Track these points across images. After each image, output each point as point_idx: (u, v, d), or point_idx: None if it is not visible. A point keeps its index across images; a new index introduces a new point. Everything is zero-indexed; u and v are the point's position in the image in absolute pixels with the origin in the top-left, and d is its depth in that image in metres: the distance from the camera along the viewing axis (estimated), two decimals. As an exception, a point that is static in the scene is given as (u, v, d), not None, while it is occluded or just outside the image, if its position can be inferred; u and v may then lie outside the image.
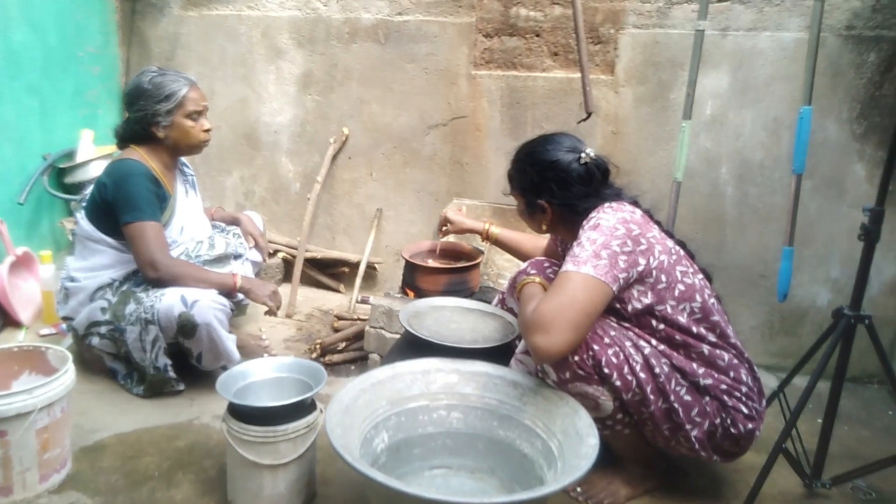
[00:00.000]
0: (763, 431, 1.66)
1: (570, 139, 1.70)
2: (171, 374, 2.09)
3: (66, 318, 2.19)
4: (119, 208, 2.04)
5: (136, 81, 2.12)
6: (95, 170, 2.94)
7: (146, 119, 2.09)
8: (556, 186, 1.64)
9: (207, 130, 2.20)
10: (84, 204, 2.17)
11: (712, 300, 1.63)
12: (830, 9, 2.37)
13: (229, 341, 2.10)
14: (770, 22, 2.49)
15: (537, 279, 1.68)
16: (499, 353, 1.81)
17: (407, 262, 2.40)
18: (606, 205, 1.59)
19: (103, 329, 2.08)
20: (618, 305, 1.56)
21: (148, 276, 2.04)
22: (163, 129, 2.11)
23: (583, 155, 1.65)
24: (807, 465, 1.77)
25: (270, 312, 2.24)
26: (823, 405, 1.74)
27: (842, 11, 2.40)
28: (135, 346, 2.04)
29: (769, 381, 2.46)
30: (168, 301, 1.99)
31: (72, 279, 2.14)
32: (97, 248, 2.13)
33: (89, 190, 2.18)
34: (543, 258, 1.93)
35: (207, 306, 2.01)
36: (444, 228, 2.34)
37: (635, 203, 1.67)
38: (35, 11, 2.80)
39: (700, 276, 1.65)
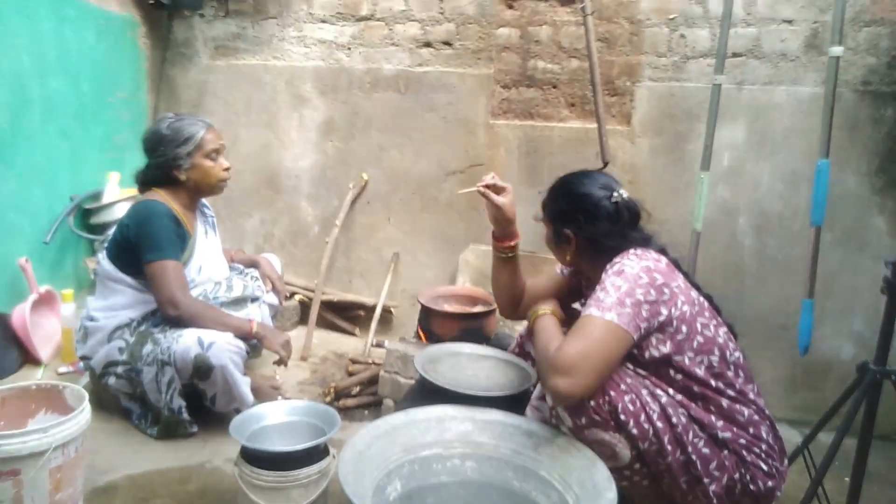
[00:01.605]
0: (788, 489, 1.61)
1: (606, 178, 1.71)
2: (186, 415, 2.09)
3: (83, 358, 2.21)
4: (141, 247, 2.07)
5: (154, 129, 2.19)
6: (120, 211, 2.99)
7: (168, 163, 2.15)
8: (582, 218, 1.65)
9: (227, 169, 2.25)
10: (106, 244, 2.21)
11: (736, 354, 1.60)
12: (846, 65, 2.40)
13: (244, 384, 2.10)
14: (786, 77, 2.53)
15: (549, 309, 1.66)
16: (514, 402, 1.78)
17: (423, 306, 2.40)
18: (632, 251, 1.58)
19: (120, 369, 2.09)
20: (635, 351, 1.54)
21: (168, 313, 2.06)
22: (185, 171, 2.17)
23: (615, 194, 1.65)
24: (834, 527, 1.71)
25: (281, 362, 2.23)
26: (850, 463, 1.69)
27: (857, 68, 2.44)
28: (150, 386, 2.05)
29: (792, 437, 2.39)
30: (185, 342, 2.00)
31: (91, 318, 2.17)
32: (116, 288, 2.16)
33: (111, 231, 2.23)
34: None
35: (223, 349, 2.02)
36: (486, 190, 1.84)
37: (663, 251, 1.66)
38: (71, 60, 2.92)
39: (724, 329, 1.63)
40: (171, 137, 2.14)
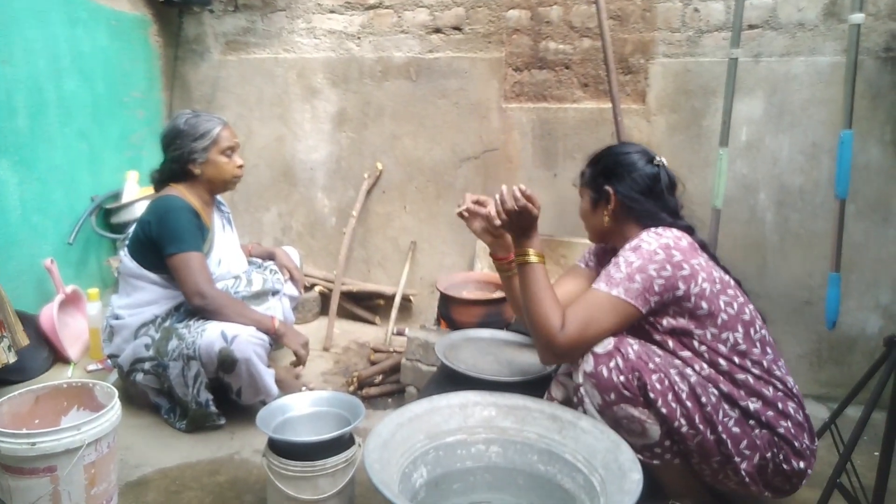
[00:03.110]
0: (816, 465, 1.60)
1: (646, 148, 1.75)
2: (213, 408, 2.12)
3: (111, 356, 2.25)
4: (163, 241, 2.11)
5: (172, 124, 2.24)
6: (140, 210, 3.03)
7: (183, 157, 2.19)
8: (626, 174, 1.67)
9: (240, 166, 2.29)
10: (127, 242, 2.25)
11: (763, 332, 1.60)
12: (867, 31, 2.34)
13: (268, 376, 2.13)
14: (804, 47, 2.47)
15: (536, 255, 1.60)
16: (536, 386, 1.79)
17: (442, 294, 2.41)
18: (653, 229, 1.59)
19: (147, 365, 2.13)
20: (652, 319, 1.57)
21: (195, 303, 2.09)
22: (199, 165, 2.21)
23: (656, 158, 1.70)
24: (864, 502, 1.69)
25: (297, 363, 2.25)
26: (879, 437, 1.66)
27: (879, 34, 2.37)
28: (177, 381, 2.08)
29: (819, 412, 2.37)
30: (209, 337, 2.03)
31: (116, 317, 2.21)
32: (139, 285, 2.20)
33: (132, 229, 2.27)
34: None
35: (247, 342, 2.05)
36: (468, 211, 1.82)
37: (690, 230, 1.66)
38: (85, 61, 2.95)
39: (750, 306, 1.62)
40: (188, 132, 2.18)
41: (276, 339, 2.23)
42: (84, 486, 1.58)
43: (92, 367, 2.63)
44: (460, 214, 1.83)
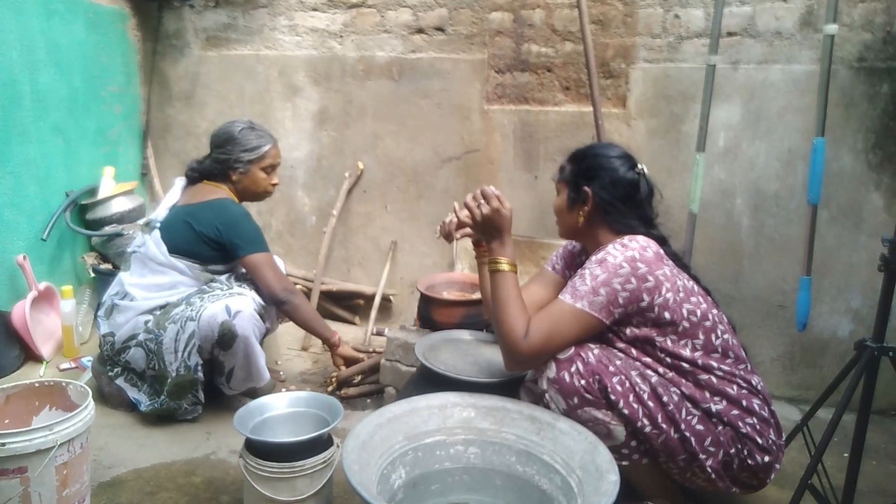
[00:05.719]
0: (788, 466, 1.63)
1: (629, 153, 1.74)
2: (200, 375, 2.11)
3: (106, 335, 2.21)
4: (240, 242, 2.20)
5: (228, 128, 2.32)
6: (117, 206, 2.99)
7: (228, 162, 2.28)
8: (606, 177, 1.67)
9: (275, 184, 2.39)
10: (157, 225, 2.25)
11: (725, 337, 1.62)
12: (841, 41, 2.39)
13: (262, 358, 2.17)
14: (781, 55, 2.52)
15: (508, 264, 1.61)
16: (515, 388, 1.80)
17: (422, 294, 2.41)
18: (619, 241, 1.60)
19: (141, 337, 2.12)
20: (615, 328, 1.60)
21: (280, 298, 2.22)
22: (239, 173, 2.30)
23: (638, 165, 1.70)
24: (834, 502, 1.73)
25: (351, 362, 2.47)
26: (849, 439, 1.70)
27: (853, 44, 2.42)
28: (169, 347, 2.08)
29: (791, 414, 2.41)
30: (212, 309, 2.07)
31: (125, 295, 2.20)
32: (160, 270, 2.21)
33: (161, 216, 2.28)
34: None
35: (248, 319, 2.09)
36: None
37: (663, 240, 1.68)
38: (61, 54, 2.89)
39: (714, 312, 1.65)
40: (240, 141, 2.28)
41: (332, 351, 2.42)
42: (56, 487, 1.55)
43: (65, 365, 2.59)
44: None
